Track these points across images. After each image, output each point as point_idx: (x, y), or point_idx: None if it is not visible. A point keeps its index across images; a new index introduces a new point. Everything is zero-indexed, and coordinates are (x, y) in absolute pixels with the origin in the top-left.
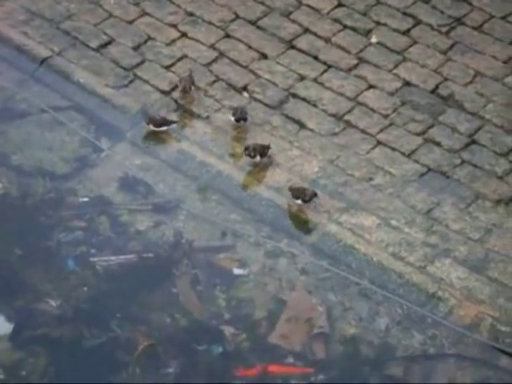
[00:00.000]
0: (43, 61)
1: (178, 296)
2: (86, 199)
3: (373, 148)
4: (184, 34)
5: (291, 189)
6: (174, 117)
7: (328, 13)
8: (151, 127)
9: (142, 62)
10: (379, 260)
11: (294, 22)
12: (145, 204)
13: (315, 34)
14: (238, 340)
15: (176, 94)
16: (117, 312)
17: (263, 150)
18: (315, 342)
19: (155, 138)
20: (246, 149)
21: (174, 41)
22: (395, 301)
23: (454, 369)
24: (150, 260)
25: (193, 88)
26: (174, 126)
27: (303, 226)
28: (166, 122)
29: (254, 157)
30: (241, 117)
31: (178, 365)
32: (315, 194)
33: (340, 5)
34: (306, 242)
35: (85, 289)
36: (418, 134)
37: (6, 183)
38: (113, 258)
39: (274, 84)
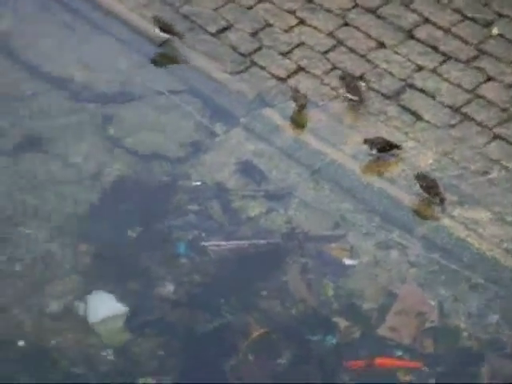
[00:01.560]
0: (161, 44)
1: (288, 284)
2: (198, 183)
3: (489, 141)
4: (302, 21)
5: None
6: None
7: (449, 3)
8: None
9: (260, 49)
10: (492, 255)
11: (413, 11)
12: (257, 190)
13: (435, 24)
14: (350, 331)
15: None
16: (229, 298)
17: (384, 145)
18: (425, 336)
19: (270, 124)
20: (365, 141)
21: (291, 27)
22: (507, 297)
23: None
24: (260, 247)
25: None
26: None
27: (415, 217)
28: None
29: (371, 149)
30: (301, 106)
31: (290, 354)
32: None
33: None
34: (417, 234)
35: (196, 274)
36: None
37: (122, 166)
38: (224, 243)
39: (391, 74)
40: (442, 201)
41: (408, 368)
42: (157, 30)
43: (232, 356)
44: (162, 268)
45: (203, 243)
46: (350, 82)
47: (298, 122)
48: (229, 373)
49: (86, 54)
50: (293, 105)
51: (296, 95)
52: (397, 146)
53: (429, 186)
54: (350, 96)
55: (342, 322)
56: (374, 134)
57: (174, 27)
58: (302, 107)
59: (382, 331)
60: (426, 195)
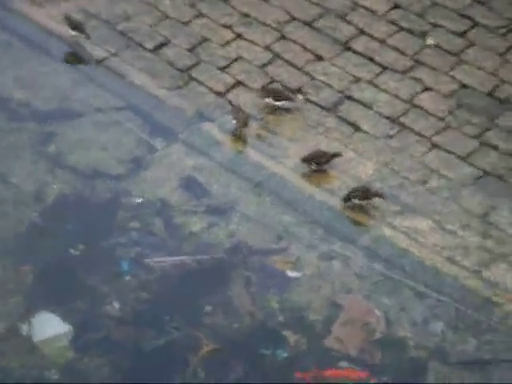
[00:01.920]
0: (99, 62)
1: (233, 298)
2: (140, 200)
3: (428, 151)
4: (239, 35)
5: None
6: None
7: (384, 14)
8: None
9: (197, 64)
10: (433, 263)
11: (349, 23)
12: (199, 205)
13: (371, 36)
14: (298, 344)
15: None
16: (174, 314)
17: (322, 158)
18: (371, 346)
19: (209, 139)
20: (304, 160)
21: (228, 42)
22: (450, 305)
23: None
24: (204, 262)
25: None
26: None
27: (357, 228)
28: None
29: (310, 164)
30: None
31: (242, 369)
32: None
33: (396, 6)
34: (360, 244)
35: (140, 291)
36: (474, 137)
37: (63, 184)
38: (167, 259)
39: (329, 86)
40: (381, 195)
41: (356, 378)
42: (67, 28)
43: (181, 373)
44: (106, 286)
45: (146, 260)
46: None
47: (240, 140)
48: None
49: (23, 72)
50: (233, 121)
51: (237, 114)
52: (336, 155)
53: (364, 193)
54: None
55: (290, 335)
56: (313, 146)
57: (84, 26)
58: (244, 125)
59: (329, 342)
60: (364, 202)
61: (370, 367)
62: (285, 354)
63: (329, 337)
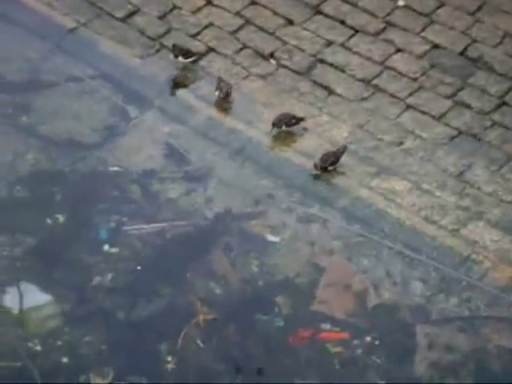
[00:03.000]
0: (69, 31)
1: (212, 263)
2: (116, 168)
3: (402, 112)
4: (209, 2)
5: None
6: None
7: None
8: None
9: (169, 31)
10: (412, 224)
11: None
12: (176, 172)
13: None
14: (287, 307)
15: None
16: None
17: (289, 120)
18: (356, 307)
19: (184, 105)
20: (273, 124)
21: (199, 9)
22: (429, 264)
23: (489, 331)
24: (182, 228)
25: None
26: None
27: (334, 191)
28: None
29: (280, 127)
30: (224, 94)
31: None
32: None
33: None
34: (337, 206)
35: (118, 258)
36: (447, 97)
37: (37, 154)
38: (145, 226)
39: (301, 50)
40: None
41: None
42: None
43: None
44: (86, 255)
45: (125, 228)
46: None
47: (224, 109)
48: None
49: None
50: (216, 92)
51: (220, 84)
52: (301, 119)
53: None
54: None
55: (279, 299)
56: (288, 110)
57: None
58: (227, 95)
59: (315, 306)
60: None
61: (354, 328)
62: (281, 323)
63: (314, 301)
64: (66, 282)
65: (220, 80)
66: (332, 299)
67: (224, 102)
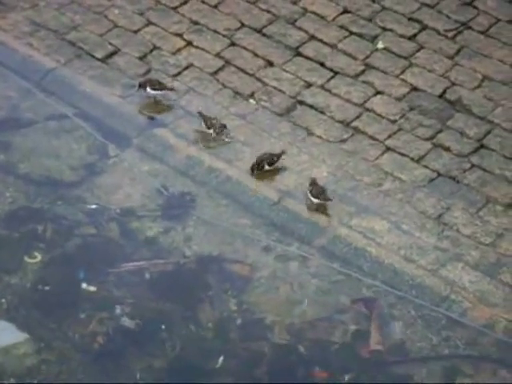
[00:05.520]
0: (49, 71)
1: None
2: (94, 206)
3: (382, 154)
4: (189, 43)
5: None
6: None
7: (333, 19)
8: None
9: (149, 71)
10: (391, 262)
11: (299, 29)
12: (154, 210)
13: (321, 41)
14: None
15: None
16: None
17: (271, 159)
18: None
19: (163, 144)
20: (252, 169)
21: (179, 50)
22: (409, 302)
23: (469, 369)
24: (160, 266)
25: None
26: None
27: (313, 229)
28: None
29: (262, 168)
30: (220, 129)
31: None
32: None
33: (345, 11)
34: (316, 245)
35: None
36: (426, 139)
37: (14, 192)
38: (124, 265)
39: (281, 91)
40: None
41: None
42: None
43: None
44: (63, 294)
45: (103, 266)
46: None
47: (223, 144)
48: None
49: None
50: (210, 130)
51: (211, 121)
52: (281, 154)
53: (318, 191)
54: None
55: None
56: (267, 150)
57: None
58: (221, 131)
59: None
60: (316, 200)
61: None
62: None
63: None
64: (43, 320)
65: (208, 118)
66: None
67: (220, 137)
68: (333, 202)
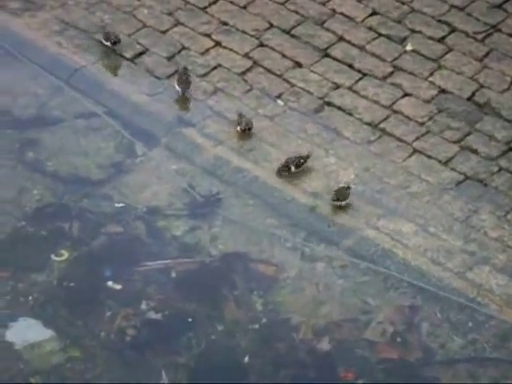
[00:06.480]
0: (77, 70)
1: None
2: (121, 205)
3: (409, 156)
4: (218, 44)
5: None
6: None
7: (362, 21)
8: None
9: (177, 72)
10: (418, 265)
11: (328, 30)
12: (181, 209)
13: (349, 43)
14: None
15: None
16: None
17: (298, 161)
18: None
19: (191, 143)
20: (278, 171)
21: (208, 50)
22: (435, 304)
23: (496, 372)
24: (186, 265)
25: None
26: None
27: (340, 231)
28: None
29: (288, 170)
30: (246, 127)
31: None
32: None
33: (374, 13)
34: (343, 246)
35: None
36: (454, 142)
37: (43, 190)
38: (149, 263)
39: (309, 92)
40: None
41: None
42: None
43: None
44: (89, 292)
45: (129, 264)
46: (182, 74)
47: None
48: None
49: (2, 80)
50: (238, 128)
51: (241, 119)
52: (308, 156)
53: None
54: (176, 87)
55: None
56: (295, 151)
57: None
58: (249, 129)
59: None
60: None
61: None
62: None
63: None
64: (69, 317)
65: (240, 116)
66: None
67: (244, 134)
68: (360, 203)
